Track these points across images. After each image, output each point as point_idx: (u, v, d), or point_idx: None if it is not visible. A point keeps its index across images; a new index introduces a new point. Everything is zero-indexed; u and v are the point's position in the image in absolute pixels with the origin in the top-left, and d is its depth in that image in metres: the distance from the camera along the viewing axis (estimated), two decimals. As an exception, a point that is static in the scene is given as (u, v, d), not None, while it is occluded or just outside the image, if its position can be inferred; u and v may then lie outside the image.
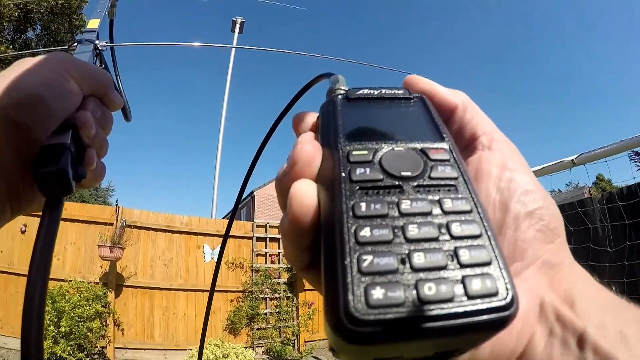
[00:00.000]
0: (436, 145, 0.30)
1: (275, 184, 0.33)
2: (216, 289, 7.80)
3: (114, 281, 7.22)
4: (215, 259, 8.13)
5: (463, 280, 0.23)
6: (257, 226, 8.91)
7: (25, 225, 7.00)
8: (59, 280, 6.77)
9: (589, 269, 0.33)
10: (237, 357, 6.61)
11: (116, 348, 6.99)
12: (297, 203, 0.27)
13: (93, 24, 0.80)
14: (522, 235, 0.30)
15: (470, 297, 0.22)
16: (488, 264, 0.24)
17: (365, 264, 0.22)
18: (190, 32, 71.20)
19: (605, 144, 4.16)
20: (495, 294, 0.22)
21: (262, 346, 8.13)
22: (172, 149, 73.29)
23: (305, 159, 0.30)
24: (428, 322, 0.21)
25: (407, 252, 0.23)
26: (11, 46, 12.68)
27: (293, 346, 8.45)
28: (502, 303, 0.22)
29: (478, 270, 0.23)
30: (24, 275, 6.71)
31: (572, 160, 4.34)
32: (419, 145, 0.30)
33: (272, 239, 8.96)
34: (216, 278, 0.73)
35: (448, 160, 0.29)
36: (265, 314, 8.40)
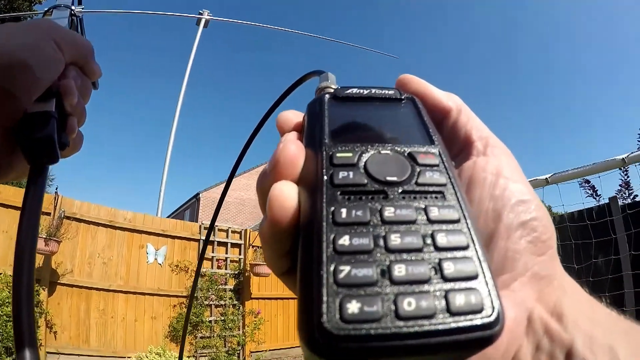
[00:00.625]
0: (425, 149, 0.29)
1: (256, 184, 0.32)
2: (159, 292, 7.50)
3: (47, 278, 6.46)
4: (160, 260, 7.68)
5: (446, 295, 0.21)
6: (205, 228, 8.46)
7: None
8: None
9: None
10: (180, 368, 6.20)
11: (48, 353, 6.22)
12: (276, 205, 0.26)
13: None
14: (514, 246, 0.29)
15: (452, 314, 0.21)
16: (474, 277, 0.22)
17: (342, 275, 0.21)
18: (152, 22, 69.25)
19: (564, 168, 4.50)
20: (480, 311, 0.21)
21: (206, 356, 7.65)
22: (120, 140, 70.36)
23: (287, 160, 0.28)
24: (406, 339, 0.20)
25: (387, 263, 0.22)
26: None
27: (238, 356, 8.03)
28: (487, 320, 0.21)
29: (463, 285, 0.22)
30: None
31: (546, 178, 4.40)
32: (407, 149, 0.28)
33: (220, 243, 8.57)
34: (196, 283, 0.67)
35: (437, 166, 0.28)
36: (210, 321, 7.93)
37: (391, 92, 0.34)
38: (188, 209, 29.65)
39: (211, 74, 63.91)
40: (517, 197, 0.30)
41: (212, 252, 8.37)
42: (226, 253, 8.54)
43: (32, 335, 0.40)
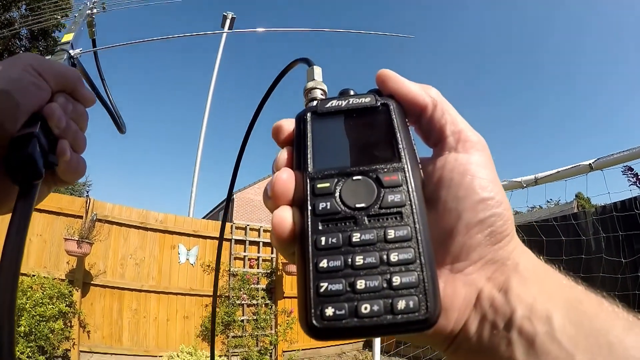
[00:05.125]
0: (391, 167, 0.35)
1: (263, 199, 0.38)
2: (191, 292, 7.54)
3: (80, 279, 6.61)
4: (192, 261, 7.71)
5: (392, 301, 0.30)
6: (237, 228, 8.48)
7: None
8: (21, 274, 6.11)
9: (580, 280, 0.35)
10: (211, 366, 6.18)
11: (81, 351, 6.38)
12: (278, 229, 0.34)
13: (67, 37, 0.84)
14: (470, 241, 0.34)
15: (395, 314, 0.29)
16: (415, 286, 0.30)
17: (321, 290, 0.30)
18: (178, 27, 70.75)
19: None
20: (416, 311, 0.29)
21: (238, 355, 7.67)
22: (152, 145, 72.33)
23: (281, 190, 0.35)
24: (363, 330, 0.30)
25: (352, 279, 0.31)
26: None
27: (270, 356, 8.01)
28: (420, 318, 0.29)
29: (406, 292, 0.30)
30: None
31: (590, 164, 4.14)
32: (375, 172, 0.34)
33: (252, 242, 8.56)
34: (217, 283, 0.75)
35: (400, 186, 0.34)
36: (242, 321, 7.95)
37: (367, 99, 0.38)
38: (222, 210, 29.84)
39: (241, 74, 64.75)
40: (479, 196, 0.34)
41: (244, 251, 8.39)
42: (258, 252, 8.53)
43: (11, 351, 0.40)
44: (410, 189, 0.33)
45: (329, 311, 0.30)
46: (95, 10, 1.05)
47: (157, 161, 71.56)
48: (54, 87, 0.54)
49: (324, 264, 0.31)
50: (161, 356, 6.19)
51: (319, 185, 0.34)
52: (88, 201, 6.94)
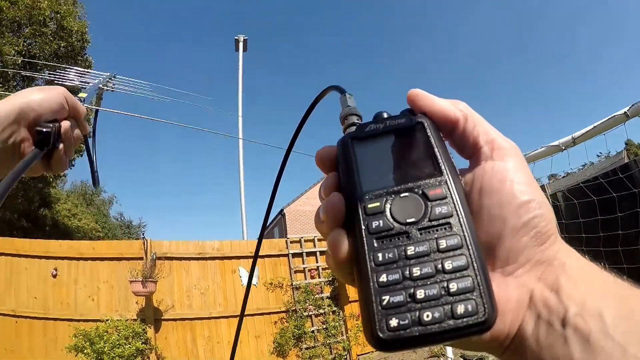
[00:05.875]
0: (435, 181, 0.37)
1: (315, 223, 0.40)
2: (258, 312, 7.70)
3: (151, 316, 6.97)
4: (254, 281, 7.86)
5: (451, 307, 0.31)
6: (292, 242, 8.62)
7: (56, 269, 6.88)
8: (95, 321, 6.60)
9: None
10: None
11: (161, 384, 6.69)
12: (335, 250, 0.36)
13: (82, 95, 0.99)
14: (517, 244, 0.35)
15: (455, 319, 0.31)
16: (471, 291, 0.32)
17: (384, 303, 0.32)
18: (193, 59, 72.46)
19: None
20: (475, 314, 0.31)
21: None
22: (195, 178, 74.27)
23: (334, 214, 0.37)
24: (427, 338, 0.31)
25: (412, 289, 0.32)
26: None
27: (345, 361, 8.02)
28: (480, 320, 0.31)
29: (463, 297, 0.32)
30: (60, 319, 6.69)
31: (625, 112, 3.90)
32: (419, 188, 0.37)
33: (309, 254, 8.64)
34: (246, 301, 0.79)
35: (445, 198, 0.36)
36: (312, 331, 8.03)
37: (403, 120, 0.40)
38: (276, 226, 30.55)
39: (267, 87, 65.53)
40: (520, 200, 0.36)
41: (303, 263, 8.50)
42: (316, 262, 8.61)
43: None
44: (455, 200, 0.35)
45: (393, 322, 0.31)
46: (105, 88, 1.24)
47: (203, 192, 73.32)
48: (69, 112, 0.80)
49: (383, 278, 0.33)
50: (238, 377, 6.33)
51: (369, 206, 0.36)
52: (145, 242, 7.32)
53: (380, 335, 0.31)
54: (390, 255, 0.34)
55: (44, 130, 0.73)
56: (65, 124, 0.78)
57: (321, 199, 0.40)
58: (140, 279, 6.63)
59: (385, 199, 0.36)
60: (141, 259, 7.08)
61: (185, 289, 7.50)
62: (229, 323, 7.56)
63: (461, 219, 0.35)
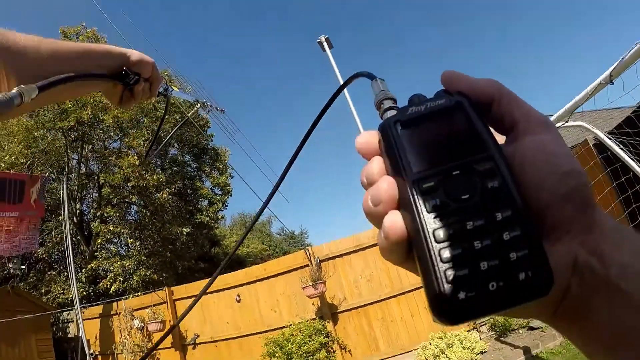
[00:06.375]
0: (481, 156, 0.37)
1: (364, 210, 0.39)
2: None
3: (328, 312, 8.07)
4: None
5: (514, 275, 0.32)
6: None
7: (238, 295, 8.60)
8: (280, 328, 7.97)
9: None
10: (461, 344, 6.77)
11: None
12: (392, 231, 0.36)
13: (175, 87, 1.31)
14: (562, 212, 0.35)
15: (519, 286, 0.32)
16: (529, 258, 0.32)
17: (450, 278, 0.32)
18: (284, 72, 74.45)
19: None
20: (535, 279, 0.32)
21: (485, 324, 8.02)
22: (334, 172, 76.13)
23: (388, 196, 0.37)
24: (493, 306, 0.32)
25: (475, 262, 0.32)
26: (161, 172, 15.26)
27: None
28: (541, 284, 0.32)
29: (523, 265, 0.32)
30: (251, 334, 8.34)
31: (609, 74, 3.57)
32: (469, 164, 0.37)
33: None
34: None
35: (494, 172, 0.36)
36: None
37: (442, 100, 0.41)
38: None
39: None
40: (562, 169, 0.36)
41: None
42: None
43: None
44: (504, 174, 0.35)
45: (461, 295, 0.31)
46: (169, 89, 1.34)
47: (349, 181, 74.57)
48: (151, 77, 1.06)
49: (447, 253, 0.33)
50: (416, 349, 7.04)
51: (424, 185, 0.36)
52: (307, 251, 8.49)
53: (449, 308, 0.32)
54: (451, 231, 0.34)
55: (129, 73, 0.97)
56: (143, 82, 1.02)
57: (366, 186, 0.40)
58: (311, 284, 7.72)
59: (437, 178, 0.36)
60: (307, 266, 8.18)
61: (352, 281, 8.35)
62: (398, 301, 8.17)
63: (512, 192, 0.35)
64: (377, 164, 0.40)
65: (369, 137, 0.42)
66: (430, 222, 0.34)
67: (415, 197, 0.35)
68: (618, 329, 0.33)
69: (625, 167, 4.81)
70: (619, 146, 4.62)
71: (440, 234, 0.34)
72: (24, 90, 0.69)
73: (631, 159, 4.52)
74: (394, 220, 0.36)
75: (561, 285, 0.34)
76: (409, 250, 0.36)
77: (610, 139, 4.66)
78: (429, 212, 0.34)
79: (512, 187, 0.35)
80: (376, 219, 0.38)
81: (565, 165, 0.36)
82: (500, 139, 0.40)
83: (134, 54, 0.98)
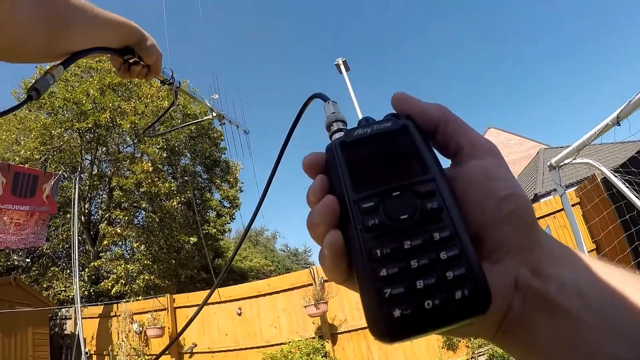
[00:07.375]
0: (423, 178, 0.38)
1: (307, 225, 0.40)
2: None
3: (328, 332, 8.07)
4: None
5: (449, 293, 0.32)
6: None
7: (240, 309, 8.68)
8: (279, 344, 8.01)
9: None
10: (460, 372, 6.66)
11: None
12: (332, 249, 0.37)
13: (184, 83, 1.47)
14: (501, 234, 0.36)
15: (455, 304, 0.32)
16: (466, 277, 0.33)
17: (386, 296, 0.33)
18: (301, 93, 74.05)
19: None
20: (472, 298, 0.32)
21: (484, 354, 7.89)
22: None
23: (329, 215, 0.38)
24: (429, 324, 0.33)
25: (411, 281, 0.33)
26: (173, 180, 15.44)
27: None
28: (477, 303, 0.32)
29: (459, 283, 0.33)
30: (249, 348, 8.36)
31: (617, 116, 3.70)
32: (410, 186, 0.38)
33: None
34: None
35: (434, 194, 0.37)
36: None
37: (389, 123, 0.41)
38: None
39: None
40: (502, 193, 0.37)
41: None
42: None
43: None
44: (444, 195, 0.37)
45: (397, 313, 0.32)
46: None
47: None
48: (152, 66, 1.14)
49: (383, 272, 0.33)
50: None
51: (363, 205, 0.37)
52: (312, 270, 8.53)
53: (385, 326, 0.32)
54: (388, 250, 0.34)
55: (134, 54, 1.05)
56: (142, 66, 1.11)
57: (311, 203, 0.40)
58: (313, 303, 7.76)
59: (378, 198, 0.37)
60: (311, 285, 8.24)
61: (354, 303, 8.31)
62: (398, 325, 8.18)
63: (451, 213, 0.36)
64: (320, 183, 0.41)
65: (315, 158, 0.43)
66: (369, 241, 0.35)
67: (355, 216, 0.37)
68: (559, 345, 0.33)
69: (630, 205, 4.88)
70: (625, 184, 4.71)
71: (378, 252, 0.35)
72: (55, 72, 0.85)
73: (636, 197, 4.60)
74: (334, 238, 0.37)
75: (502, 304, 0.35)
76: (350, 269, 0.37)
77: (616, 176, 4.75)
78: (367, 232, 0.36)
79: (451, 208, 0.36)
80: (318, 236, 0.39)
81: (505, 189, 0.37)
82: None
83: (150, 40, 1.08)
